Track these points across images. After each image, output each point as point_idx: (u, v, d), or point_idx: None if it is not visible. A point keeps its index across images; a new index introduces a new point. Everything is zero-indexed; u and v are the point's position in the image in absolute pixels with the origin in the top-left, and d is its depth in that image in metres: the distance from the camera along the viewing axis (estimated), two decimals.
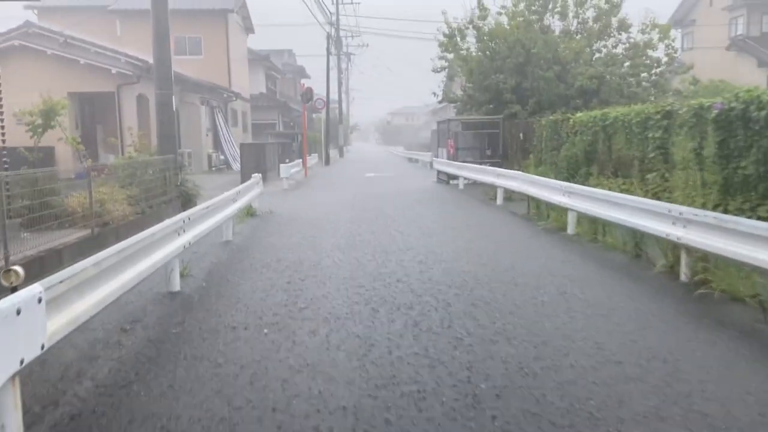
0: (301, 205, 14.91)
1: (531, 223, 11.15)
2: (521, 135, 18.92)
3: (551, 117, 16.18)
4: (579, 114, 13.87)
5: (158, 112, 12.94)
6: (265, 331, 5.15)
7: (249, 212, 12.73)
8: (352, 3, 45.30)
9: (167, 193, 12.51)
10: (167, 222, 6.07)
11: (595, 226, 9.35)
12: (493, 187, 15.19)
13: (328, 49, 36.77)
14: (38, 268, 6.87)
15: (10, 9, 27.96)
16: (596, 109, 17.95)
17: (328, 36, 37.54)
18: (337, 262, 7.83)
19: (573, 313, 5.52)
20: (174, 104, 13.06)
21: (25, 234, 7.96)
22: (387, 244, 9.08)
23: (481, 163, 19.44)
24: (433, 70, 22.43)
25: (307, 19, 43.48)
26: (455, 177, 19.83)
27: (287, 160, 21.34)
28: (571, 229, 9.79)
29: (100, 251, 4.79)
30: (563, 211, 10.28)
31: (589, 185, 11.41)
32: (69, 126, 19.70)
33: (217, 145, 27.30)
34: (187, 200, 13.34)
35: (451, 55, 21.69)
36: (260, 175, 13.32)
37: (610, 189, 10.75)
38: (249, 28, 34.84)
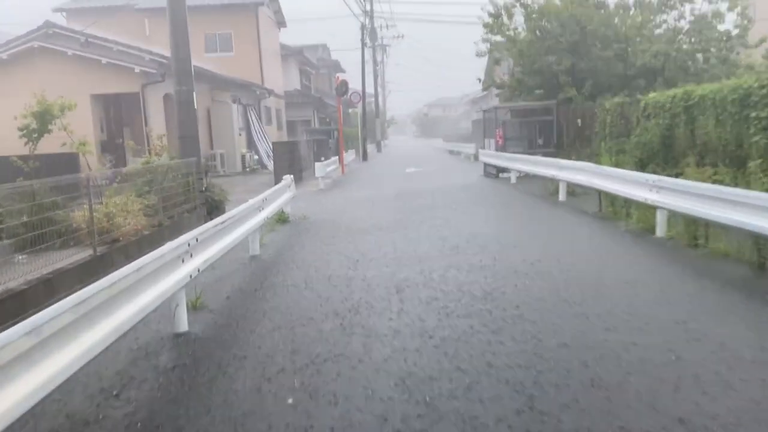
0: (338, 208, 13.53)
1: (609, 224, 9.48)
2: (579, 121, 17.12)
3: (616, 100, 14.39)
4: (652, 94, 12.07)
5: (179, 111, 11.74)
6: (290, 400, 3.75)
7: (280, 218, 11.42)
8: None
9: (190, 201, 11.27)
10: (165, 248, 4.72)
11: (693, 228, 7.66)
12: (551, 181, 13.53)
13: (362, 41, 35.31)
14: (18, 304, 5.63)
15: (38, 13, 27.44)
16: (661, 89, 16.10)
17: (362, 26, 36.06)
18: (384, 293, 6.38)
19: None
20: (195, 102, 11.79)
21: (20, 257, 6.77)
22: (447, 261, 7.59)
23: (532, 154, 17.74)
24: (477, 54, 20.75)
25: (340, 10, 42.26)
26: (505, 170, 18.15)
27: (322, 158, 20.02)
28: (661, 231, 8.11)
29: (98, 278, 3.48)
30: (647, 208, 8.61)
31: (667, 176, 9.72)
32: (93, 130, 18.85)
33: (251, 144, 26.18)
34: (213, 207, 12.11)
35: (496, 37, 19.95)
36: (291, 177, 11.97)
37: (697, 180, 9.10)
38: (281, 22, 33.68)
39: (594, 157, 15.53)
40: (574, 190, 12.88)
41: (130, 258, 7.07)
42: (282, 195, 10.78)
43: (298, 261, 7.89)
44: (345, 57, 53.62)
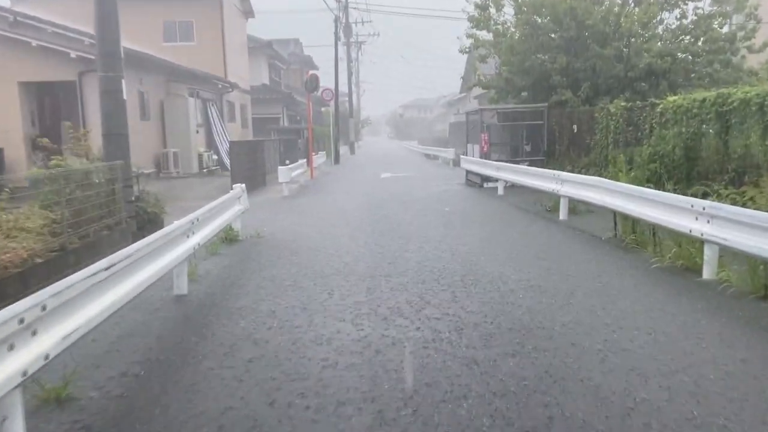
0: (301, 222, 11.48)
1: (632, 257, 7.60)
2: (574, 127, 15.34)
3: (623, 103, 12.63)
4: (672, 98, 10.29)
5: (103, 102, 9.58)
6: None
7: (228, 236, 9.34)
8: None
9: (113, 214, 9.08)
10: None
11: (756, 268, 5.81)
12: (545, 194, 11.68)
13: (336, 33, 33.24)
14: None
15: None
16: (666, 94, 14.43)
17: (336, 19, 33.98)
18: (356, 359, 4.38)
19: None
20: (124, 91, 9.63)
21: None
22: (433, 304, 5.63)
23: (517, 162, 15.95)
24: (461, 51, 18.87)
25: (315, 4, 40.07)
26: (490, 179, 16.31)
27: (287, 161, 17.94)
28: (709, 272, 6.26)
29: None
30: (686, 239, 6.78)
31: (694, 195, 7.95)
32: (22, 123, 16.45)
33: (211, 143, 23.89)
34: (146, 221, 9.96)
35: (482, 32, 18.07)
36: (243, 186, 9.89)
37: (734, 203, 7.37)
38: (248, 12, 31.38)
39: (593, 168, 13.80)
40: (575, 206, 11.06)
41: None
42: (228, 209, 8.69)
43: (238, 307, 5.83)
44: (319, 54, 51.28)
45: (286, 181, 16.46)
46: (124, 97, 9.62)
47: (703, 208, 6.27)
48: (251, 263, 7.85)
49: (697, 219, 6.38)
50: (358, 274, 7.03)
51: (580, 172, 13.93)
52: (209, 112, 24.44)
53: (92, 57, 15.63)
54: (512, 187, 14.73)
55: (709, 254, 6.28)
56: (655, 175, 10.26)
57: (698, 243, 6.53)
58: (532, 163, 16.85)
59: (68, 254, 7.42)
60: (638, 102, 12.51)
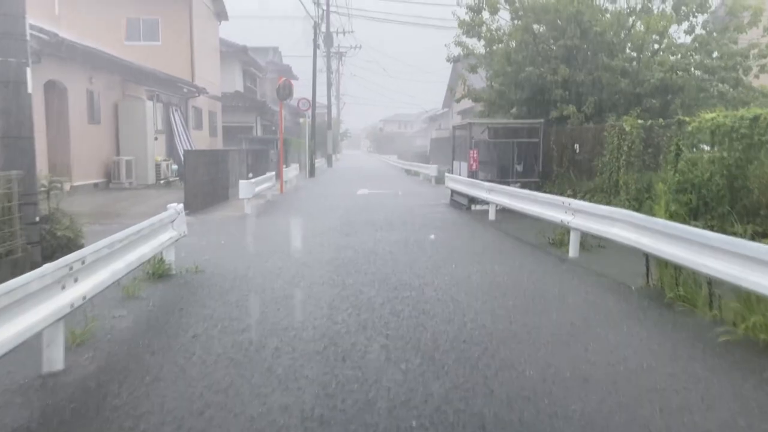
0: (257, 250, 9.47)
1: (681, 320, 5.72)
2: (576, 146, 13.60)
3: (640, 121, 10.91)
4: (709, 115, 8.54)
5: None
6: None
7: (157, 271, 7.32)
8: None
9: (8, 239, 6.99)
10: None
11: None
12: (545, 222, 9.86)
13: (315, 40, 31.38)
14: None
15: None
16: (679, 112, 12.77)
17: (316, 25, 32.12)
18: None
19: None
20: (29, 84, 7.58)
21: None
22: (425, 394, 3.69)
23: (506, 183, 14.17)
24: (448, 60, 17.10)
25: (294, 11, 38.26)
26: (479, 200, 14.48)
27: (250, 175, 15.91)
28: None
29: None
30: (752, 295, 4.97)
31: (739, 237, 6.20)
32: None
33: (172, 151, 21.79)
34: (56, 248, 7.87)
35: (473, 40, 16.33)
36: (180, 207, 7.84)
37: None
38: (221, 14, 29.43)
39: (599, 194, 12.03)
40: (584, 239, 9.22)
41: None
42: (151, 239, 6.66)
43: (132, 398, 3.82)
44: (299, 65, 49.33)
45: (248, 197, 14.43)
46: (29, 90, 7.55)
47: None
48: (172, 316, 5.82)
49: None
50: (311, 348, 5.01)
51: (584, 198, 12.18)
52: (172, 118, 22.36)
53: None
54: (504, 211, 12.90)
55: None
56: (692, 209, 8.48)
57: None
58: (524, 185, 15.05)
59: None
60: (660, 120, 10.80)
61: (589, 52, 13.89)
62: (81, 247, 7.92)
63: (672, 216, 7.06)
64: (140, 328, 5.44)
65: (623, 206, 10.55)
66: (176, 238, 7.53)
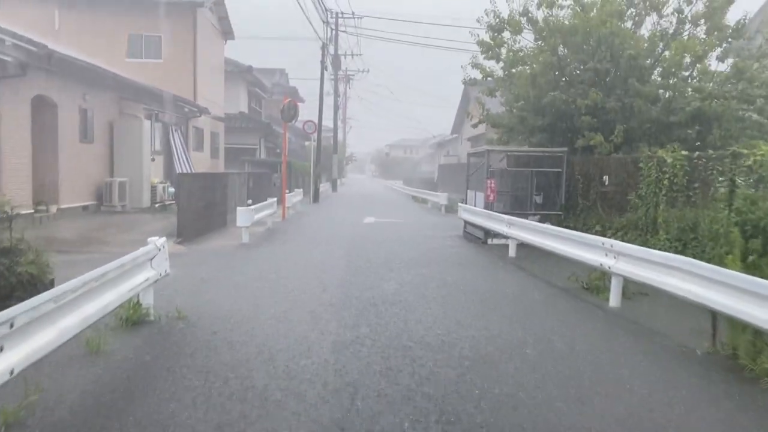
0: (250, 290, 8.28)
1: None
2: (605, 178, 12.47)
3: (684, 152, 9.80)
4: None
5: None
6: None
7: (132, 317, 6.17)
8: (353, 17, 39.16)
9: None
10: None
11: None
12: (572, 261, 8.70)
13: (322, 62, 30.57)
14: None
15: None
16: (718, 143, 11.68)
17: (324, 46, 31.33)
18: None
19: None
20: None
21: None
22: None
23: (524, 216, 13.07)
24: (464, 83, 16.10)
25: (302, 31, 37.65)
26: (493, 233, 13.35)
27: (249, 201, 14.78)
28: None
29: None
30: None
31: None
32: None
33: (171, 173, 20.74)
34: (16, 286, 6.72)
35: (490, 62, 15.34)
36: (161, 243, 6.69)
37: None
38: (227, 33, 28.62)
39: (633, 232, 10.88)
40: (627, 287, 8.04)
41: None
42: (121, 284, 5.51)
43: None
44: (305, 88, 48.83)
45: (246, 225, 13.31)
46: None
47: None
48: (141, 383, 4.64)
49: None
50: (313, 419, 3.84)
51: (615, 235, 11.06)
52: (171, 138, 21.37)
53: (8, 59, 12.51)
54: (523, 246, 11.74)
55: None
56: (743, 255, 7.30)
57: None
58: (544, 218, 13.96)
59: None
60: (710, 151, 9.68)
61: (621, 77, 12.81)
62: (47, 284, 6.81)
63: (749, 267, 5.88)
64: (97, 401, 4.26)
65: (663, 247, 9.42)
66: (155, 279, 6.38)
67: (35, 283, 6.88)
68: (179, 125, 22.26)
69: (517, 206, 14.49)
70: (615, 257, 7.70)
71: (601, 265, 7.98)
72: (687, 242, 9.17)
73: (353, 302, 7.55)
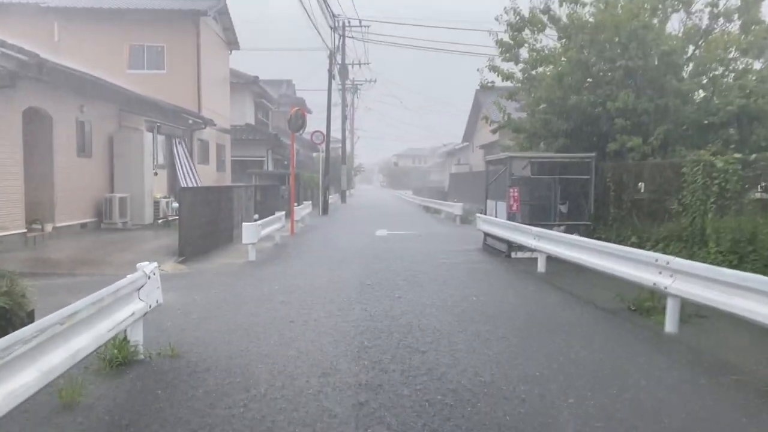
0: (258, 319, 7.35)
1: None
2: (641, 185, 11.50)
3: (736, 155, 8.83)
4: None
5: None
6: None
7: (117, 358, 5.28)
8: (360, 26, 38.39)
9: None
10: None
11: None
12: (607, 277, 7.75)
13: (330, 70, 29.80)
14: None
15: None
16: (763, 143, 10.69)
17: (331, 54, 30.58)
18: None
19: None
20: None
21: None
22: None
23: (549, 227, 12.13)
24: (481, 86, 15.17)
25: (309, 41, 37.01)
26: (520, 247, 12.43)
27: (255, 217, 13.91)
28: None
29: None
30: None
31: None
32: None
33: (175, 187, 19.92)
34: None
35: (509, 65, 14.44)
36: (151, 267, 5.78)
37: None
38: (232, 43, 27.92)
39: (676, 243, 9.90)
40: (685, 308, 7.04)
41: None
42: (100, 323, 4.59)
43: None
44: (313, 100, 48.09)
45: (253, 242, 12.43)
46: None
47: None
48: None
49: None
50: None
51: (655, 248, 10.08)
52: (175, 151, 20.59)
53: None
54: (554, 261, 10.77)
55: None
56: None
57: None
58: (569, 229, 12.98)
59: None
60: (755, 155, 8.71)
61: (654, 74, 11.85)
62: (24, 318, 5.94)
63: None
64: None
65: (714, 261, 8.43)
66: (143, 313, 5.47)
67: (11, 318, 6.01)
68: (183, 138, 21.48)
69: (540, 216, 13.52)
70: (671, 276, 6.71)
71: (654, 284, 6.98)
72: (744, 255, 8.18)
73: (370, 333, 6.60)
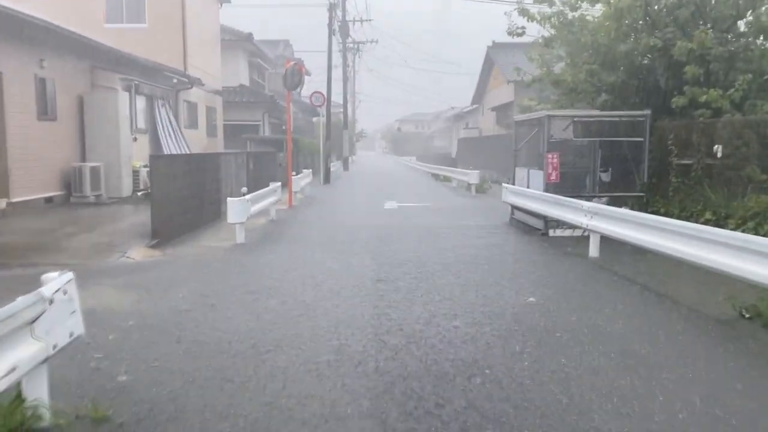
0: (242, 336, 5.28)
1: None
2: (717, 149, 9.34)
3: None
4: None
5: None
6: None
7: (3, 429, 3.24)
8: None
9: None
10: None
11: None
12: (688, 266, 5.74)
13: (330, 25, 27.29)
14: None
15: None
16: None
17: (331, 7, 28.00)
18: None
19: None
20: None
21: None
22: None
23: (588, 198, 10.11)
24: (509, 33, 12.86)
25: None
26: (559, 224, 10.42)
27: (243, 190, 11.77)
28: None
29: None
30: None
31: None
32: None
33: (158, 154, 17.73)
34: None
35: (542, 6, 12.15)
36: (61, 278, 3.72)
37: None
38: None
39: None
40: None
41: None
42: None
43: None
44: (311, 60, 45.20)
45: (241, 221, 10.36)
46: None
47: None
48: None
49: None
50: None
51: (737, 228, 8.04)
52: (157, 114, 18.36)
53: None
54: (608, 242, 8.72)
55: None
56: None
57: None
58: (615, 201, 10.95)
59: None
60: None
61: (726, 12, 9.61)
62: None
63: None
64: None
65: None
66: (41, 359, 3.42)
67: None
68: (167, 99, 19.21)
69: (574, 186, 11.43)
70: None
71: None
72: None
73: (389, 353, 4.55)
